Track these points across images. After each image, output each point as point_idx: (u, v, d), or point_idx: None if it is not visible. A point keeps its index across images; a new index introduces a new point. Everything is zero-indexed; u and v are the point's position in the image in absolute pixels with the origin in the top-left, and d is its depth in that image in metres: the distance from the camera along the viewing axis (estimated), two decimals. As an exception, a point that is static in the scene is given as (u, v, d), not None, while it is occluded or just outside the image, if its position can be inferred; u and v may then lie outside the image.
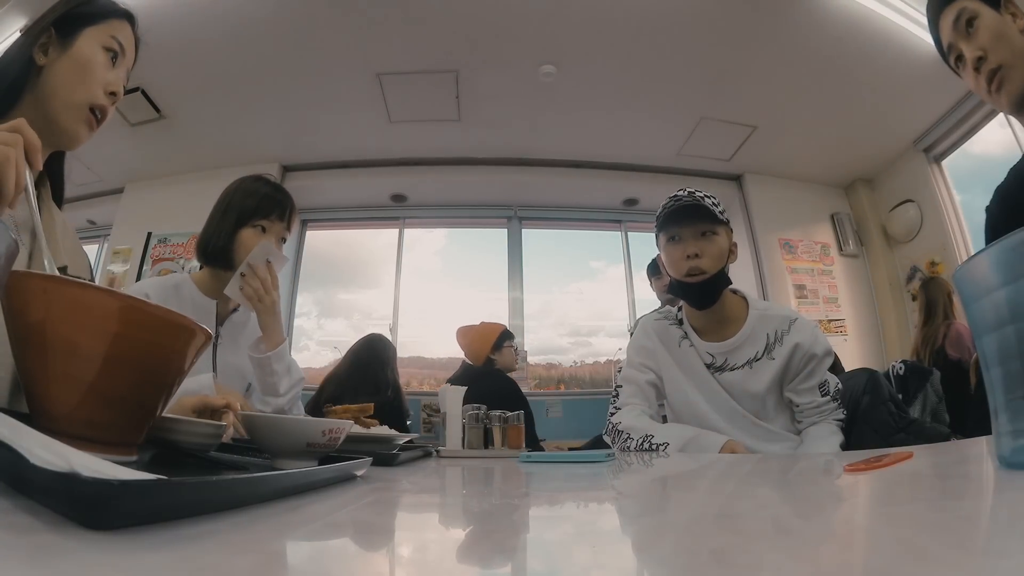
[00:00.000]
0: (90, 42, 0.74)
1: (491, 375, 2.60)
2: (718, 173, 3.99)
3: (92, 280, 0.93)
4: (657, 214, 1.24)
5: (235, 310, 1.27)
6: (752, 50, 2.86)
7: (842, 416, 1.16)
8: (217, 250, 1.18)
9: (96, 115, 0.75)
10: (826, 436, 1.12)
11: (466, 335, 2.76)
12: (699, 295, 1.19)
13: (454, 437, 1.19)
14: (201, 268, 1.25)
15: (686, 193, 1.19)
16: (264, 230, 1.18)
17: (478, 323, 2.83)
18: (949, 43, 0.96)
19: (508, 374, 2.71)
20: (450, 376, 2.75)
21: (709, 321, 1.23)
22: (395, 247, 4.27)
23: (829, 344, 1.20)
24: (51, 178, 0.80)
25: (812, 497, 0.50)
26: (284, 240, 1.24)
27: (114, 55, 0.77)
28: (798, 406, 1.17)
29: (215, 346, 1.19)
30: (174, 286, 1.19)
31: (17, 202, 0.51)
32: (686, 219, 1.17)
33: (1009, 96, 0.90)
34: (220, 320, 1.22)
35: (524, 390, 2.81)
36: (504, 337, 2.73)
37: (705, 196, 1.18)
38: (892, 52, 2.79)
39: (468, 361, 2.73)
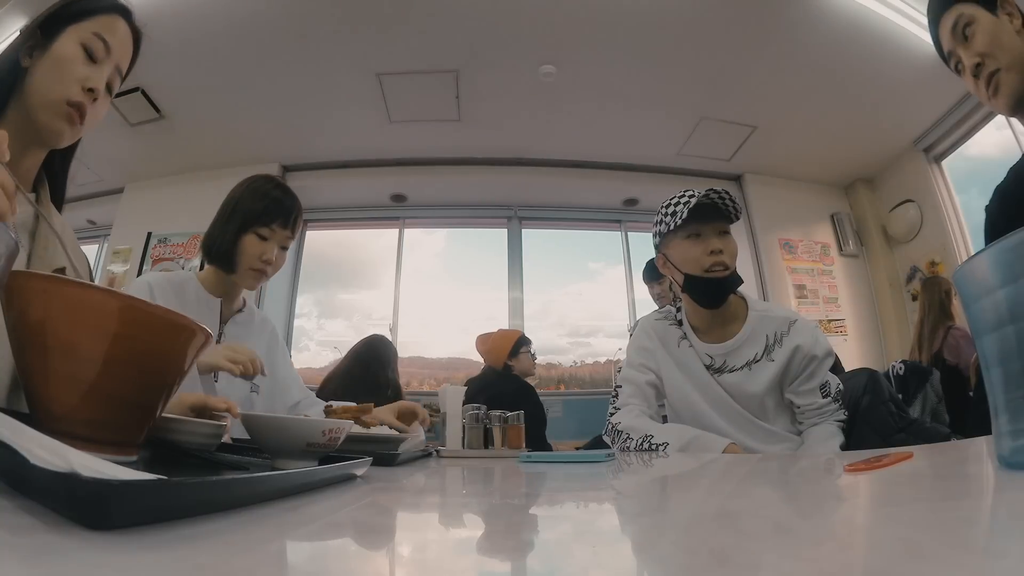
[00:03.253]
0: (69, 40, 0.74)
1: (508, 379, 2.67)
2: (718, 173, 3.99)
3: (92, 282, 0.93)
4: (669, 210, 1.21)
5: (240, 310, 1.27)
6: (752, 50, 2.86)
7: (843, 417, 1.16)
8: (220, 253, 1.18)
9: (77, 110, 0.73)
10: (827, 438, 1.12)
11: (484, 342, 2.83)
12: (718, 291, 1.19)
13: (454, 437, 1.19)
14: (202, 267, 1.25)
15: (705, 192, 1.17)
16: (265, 239, 1.17)
17: (495, 331, 2.88)
18: (949, 50, 0.97)
19: (526, 379, 2.77)
20: (469, 378, 2.80)
21: (710, 321, 1.23)
22: (395, 247, 4.28)
23: (830, 345, 1.20)
24: (50, 180, 0.80)
25: (812, 497, 0.50)
26: (286, 248, 1.22)
27: (94, 51, 0.76)
28: (799, 407, 1.17)
29: (218, 343, 1.19)
30: (179, 283, 1.18)
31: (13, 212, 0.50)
32: (711, 217, 1.17)
33: (1007, 100, 0.90)
34: (224, 319, 1.22)
35: (524, 390, 2.83)
36: (520, 343, 2.79)
37: (726, 194, 1.18)
38: (892, 52, 2.79)
39: (488, 365, 2.78)
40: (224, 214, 1.20)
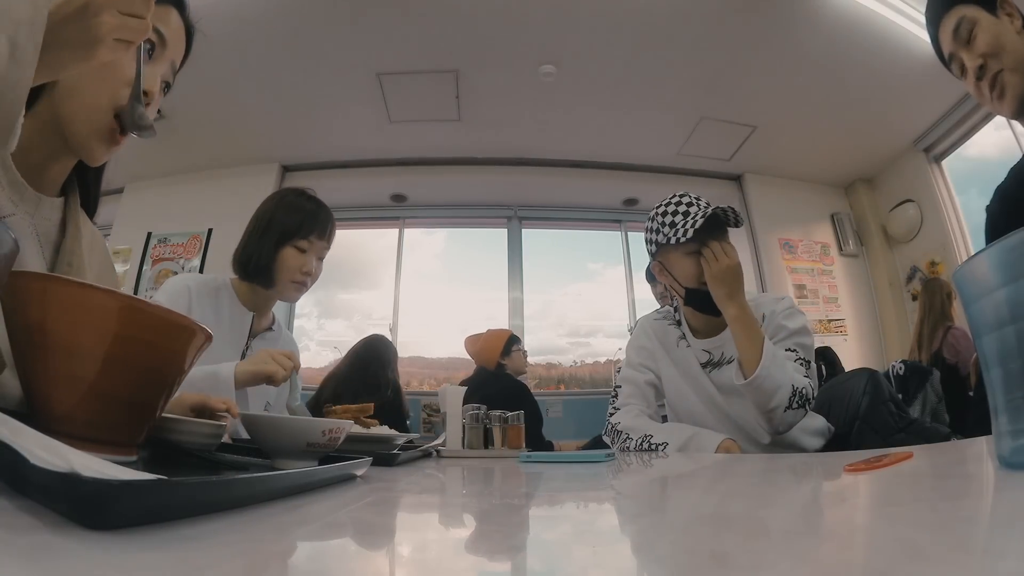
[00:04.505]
0: None
1: (502, 378, 2.67)
2: (718, 173, 3.99)
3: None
4: (667, 220, 1.18)
5: (270, 328, 1.27)
6: (752, 50, 2.86)
7: (809, 381, 1.10)
8: (260, 268, 1.17)
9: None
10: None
11: (474, 343, 2.82)
12: None
13: (454, 437, 1.19)
14: (202, 269, 1.25)
15: (712, 209, 1.14)
16: (304, 251, 1.18)
17: (484, 331, 2.87)
18: (950, 52, 0.95)
19: (519, 377, 2.77)
20: (462, 379, 2.80)
21: (707, 321, 1.23)
22: (395, 247, 4.28)
23: (806, 323, 1.18)
24: (81, 184, 0.70)
25: (812, 497, 0.50)
26: (322, 259, 1.24)
27: (150, 46, 0.64)
28: None
29: (243, 357, 1.19)
30: (215, 290, 1.18)
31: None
32: (711, 230, 1.14)
33: (1012, 102, 0.89)
34: (253, 334, 1.22)
35: (524, 390, 2.83)
36: (512, 342, 2.78)
37: (731, 210, 1.14)
38: (892, 52, 2.79)
39: (481, 366, 2.77)
40: (258, 230, 1.19)
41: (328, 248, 1.24)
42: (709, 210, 1.14)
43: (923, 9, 1.02)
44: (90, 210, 0.72)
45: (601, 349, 4.49)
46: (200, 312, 1.09)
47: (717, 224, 1.16)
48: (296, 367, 1.00)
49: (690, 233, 1.13)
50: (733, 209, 1.15)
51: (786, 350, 1.12)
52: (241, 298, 1.20)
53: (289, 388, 1.12)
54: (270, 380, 0.99)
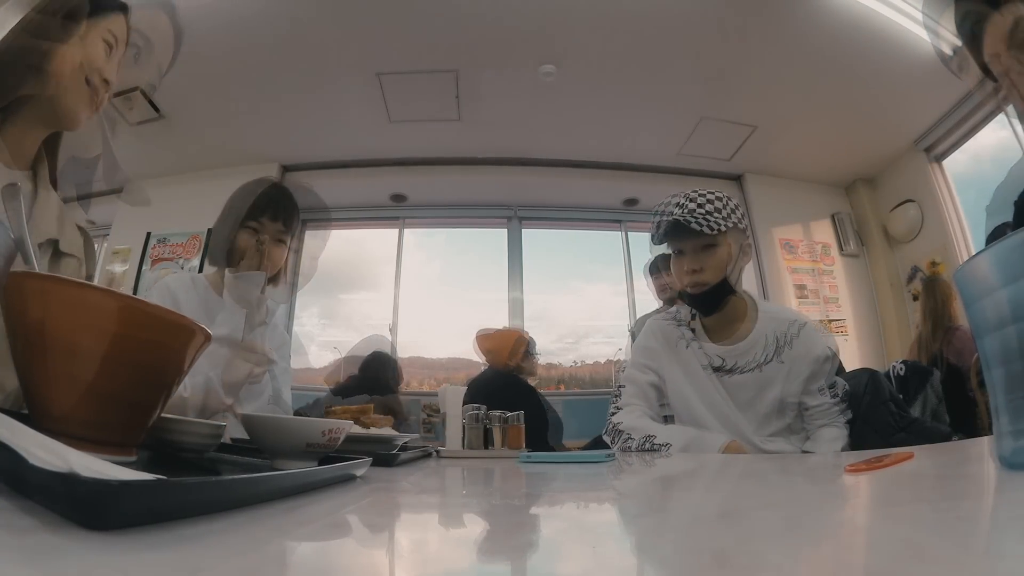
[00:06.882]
0: (98, 30, 0.73)
1: (510, 380, 2.67)
2: (718, 173, 3.99)
3: (93, 259, 0.90)
4: (653, 220, 1.21)
5: (263, 322, 1.28)
6: (752, 50, 2.86)
7: (844, 420, 1.16)
8: (217, 253, 1.20)
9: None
10: (830, 441, 1.12)
11: (485, 341, 2.81)
12: (703, 305, 1.20)
13: (454, 437, 1.19)
14: (202, 268, 1.26)
15: (678, 206, 1.15)
16: (256, 231, 1.18)
17: (496, 330, 2.87)
18: (995, 53, 0.87)
19: (529, 379, 2.76)
20: (469, 379, 2.79)
21: (716, 322, 1.23)
22: (395, 248, 4.28)
23: (835, 345, 1.21)
24: (49, 157, 0.78)
25: (812, 497, 0.50)
26: (283, 241, 1.22)
27: (136, 51, 0.75)
28: (806, 408, 1.17)
29: None
30: (203, 288, 1.21)
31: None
32: (684, 235, 1.16)
33: None
34: (249, 328, 1.22)
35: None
36: (521, 343, 2.77)
37: (698, 208, 1.14)
38: (892, 52, 2.79)
39: (490, 365, 2.77)
40: (221, 216, 1.22)
41: (286, 233, 1.22)
42: (669, 215, 1.15)
43: (923, 8, 1.01)
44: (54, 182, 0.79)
45: (601, 349, 4.49)
46: (190, 311, 1.10)
47: (694, 230, 1.14)
48: (267, 357, 1.03)
49: (653, 248, 1.18)
50: (700, 205, 1.13)
51: (826, 389, 1.15)
52: (227, 291, 1.21)
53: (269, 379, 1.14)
54: (253, 379, 1.01)
